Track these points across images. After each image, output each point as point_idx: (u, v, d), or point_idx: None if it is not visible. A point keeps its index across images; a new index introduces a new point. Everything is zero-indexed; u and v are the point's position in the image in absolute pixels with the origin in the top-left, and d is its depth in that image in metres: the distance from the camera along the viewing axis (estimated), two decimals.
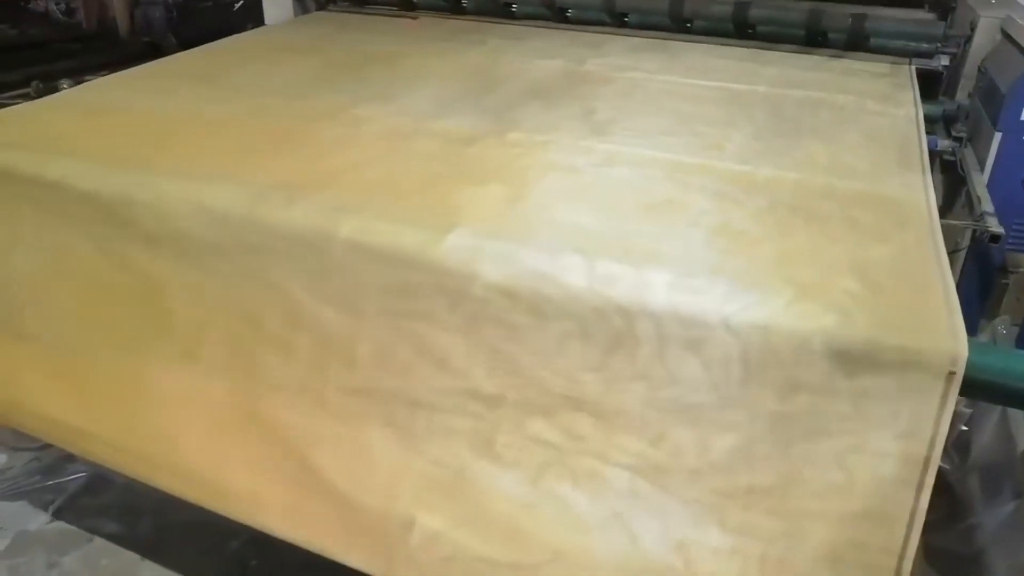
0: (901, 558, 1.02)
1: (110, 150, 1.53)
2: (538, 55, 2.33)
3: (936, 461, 1.02)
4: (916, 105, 1.95)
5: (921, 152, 1.62)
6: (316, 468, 1.28)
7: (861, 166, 1.55)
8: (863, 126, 1.77)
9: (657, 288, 1.09)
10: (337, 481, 1.26)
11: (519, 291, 1.13)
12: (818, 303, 1.06)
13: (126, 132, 1.63)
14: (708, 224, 1.28)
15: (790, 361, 1.03)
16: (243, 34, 2.78)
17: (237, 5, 5.52)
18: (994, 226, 1.61)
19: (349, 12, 3.00)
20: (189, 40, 3.01)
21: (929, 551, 1.41)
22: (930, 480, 1.02)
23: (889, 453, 1.02)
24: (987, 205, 1.71)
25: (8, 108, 1.78)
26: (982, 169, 1.97)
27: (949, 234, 1.32)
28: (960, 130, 2.10)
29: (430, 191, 1.38)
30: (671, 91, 2.02)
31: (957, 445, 1.61)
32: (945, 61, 2.40)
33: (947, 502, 1.58)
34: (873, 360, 1.01)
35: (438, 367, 1.19)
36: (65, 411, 1.46)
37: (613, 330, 1.10)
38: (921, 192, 1.42)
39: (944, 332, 1.02)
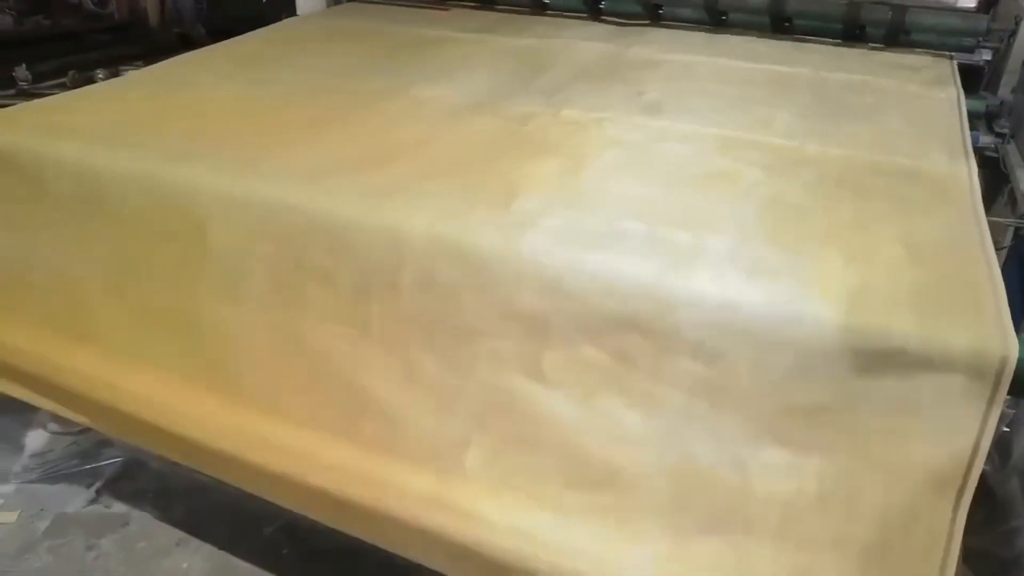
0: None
1: (192, 128, 1.59)
2: (582, 41, 2.37)
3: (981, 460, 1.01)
4: (961, 115, 1.90)
5: (963, 135, 1.64)
6: (367, 394, 1.26)
7: (904, 145, 1.58)
8: (906, 109, 1.81)
9: (714, 249, 1.15)
10: (389, 405, 1.25)
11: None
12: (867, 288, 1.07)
13: (199, 113, 1.68)
14: (760, 195, 1.34)
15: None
16: (282, 23, 2.80)
17: None
18: None
19: (380, 3, 3.01)
20: (218, 30, 3.03)
21: (968, 553, 1.38)
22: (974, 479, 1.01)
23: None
24: None
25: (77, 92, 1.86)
26: None
27: (991, 232, 1.29)
28: (1003, 126, 2.06)
29: (492, 164, 1.43)
30: (716, 74, 2.07)
31: (998, 446, 1.59)
32: (988, 56, 2.35)
33: (987, 504, 1.56)
34: (921, 358, 1.00)
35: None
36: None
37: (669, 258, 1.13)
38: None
39: (994, 330, 1.00)
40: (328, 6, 3.02)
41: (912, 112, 1.79)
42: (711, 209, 1.29)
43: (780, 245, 1.17)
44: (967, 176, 1.44)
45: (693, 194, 1.35)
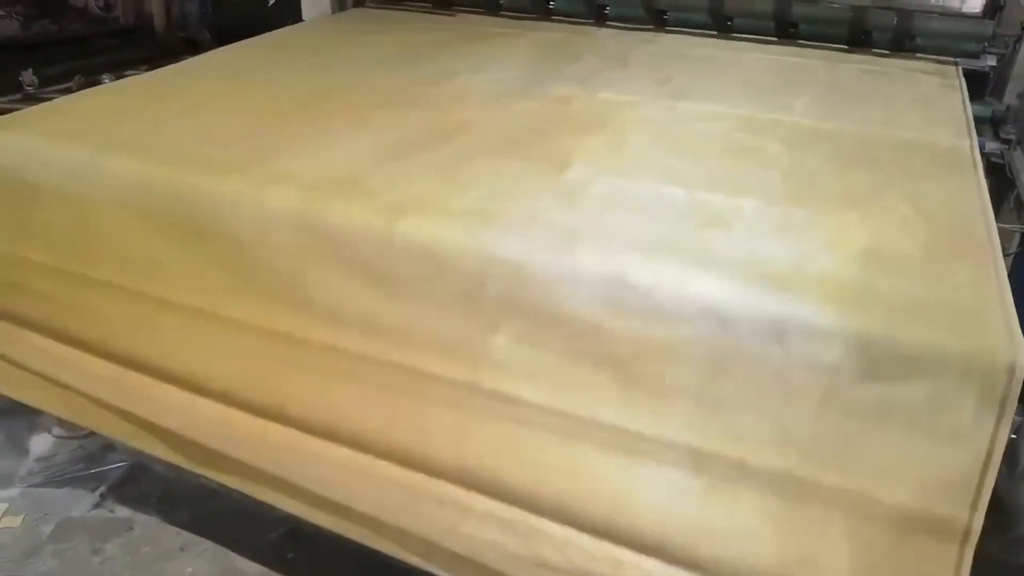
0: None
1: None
2: (605, 37, 2.54)
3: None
4: (964, 103, 1.92)
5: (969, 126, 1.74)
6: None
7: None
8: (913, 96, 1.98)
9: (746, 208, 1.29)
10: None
11: None
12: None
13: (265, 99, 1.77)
14: (783, 165, 1.49)
15: None
16: (298, 25, 2.84)
17: (272, 1, 5.58)
18: None
19: (387, 8, 3.01)
20: (224, 35, 3.03)
21: (978, 560, 1.37)
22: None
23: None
24: None
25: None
26: None
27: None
28: (1009, 132, 2.05)
29: (542, 139, 1.57)
30: (736, 64, 2.25)
31: (1007, 453, 1.58)
32: (992, 61, 2.35)
33: (996, 511, 1.55)
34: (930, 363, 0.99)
35: None
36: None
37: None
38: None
39: (1003, 336, 1.00)
40: (333, 11, 3.03)
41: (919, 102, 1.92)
42: (740, 176, 1.43)
43: (802, 205, 1.30)
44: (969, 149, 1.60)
45: (724, 165, 1.49)
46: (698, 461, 1.07)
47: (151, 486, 1.81)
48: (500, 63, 2.16)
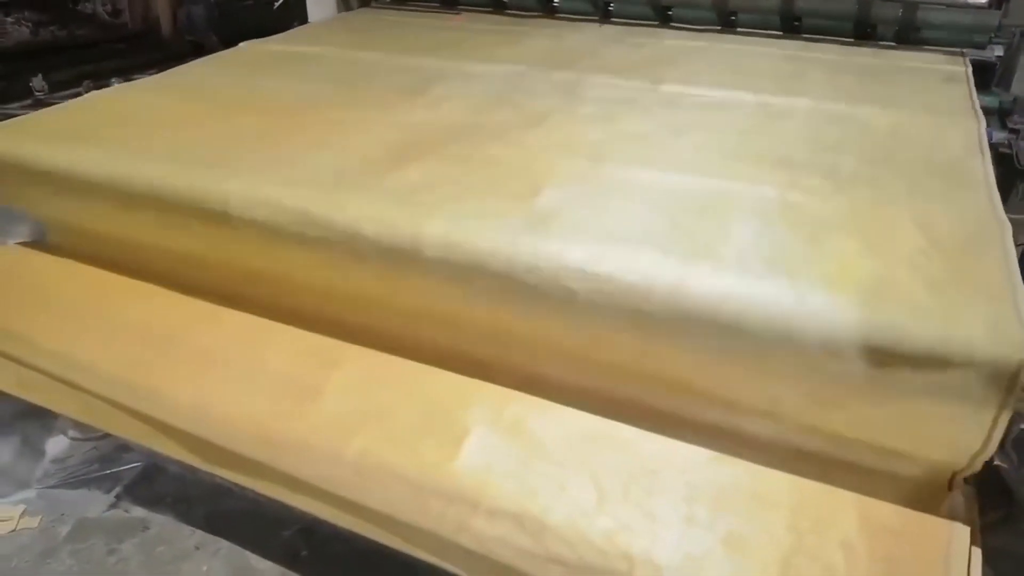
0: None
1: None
2: (607, 34, 2.61)
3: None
4: (972, 94, 1.92)
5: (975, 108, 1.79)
6: None
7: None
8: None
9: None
10: None
11: None
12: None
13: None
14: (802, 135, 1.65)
15: None
16: (307, 25, 2.93)
17: (277, 4, 5.60)
18: None
19: (392, 8, 3.03)
20: (231, 38, 3.06)
21: (988, 552, 1.38)
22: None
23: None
24: None
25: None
26: None
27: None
28: (1017, 122, 2.05)
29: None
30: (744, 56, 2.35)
31: (1016, 445, 1.58)
32: (1000, 52, 2.35)
33: (1006, 504, 1.55)
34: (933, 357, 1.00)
35: None
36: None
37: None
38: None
39: (1011, 330, 1.00)
40: (339, 11, 3.05)
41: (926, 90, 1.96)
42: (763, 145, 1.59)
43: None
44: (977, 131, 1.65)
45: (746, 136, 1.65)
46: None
47: (166, 486, 1.82)
48: (530, 41, 2.41)
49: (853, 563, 1.02)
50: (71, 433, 1.83)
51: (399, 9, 3.01)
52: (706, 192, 1.38)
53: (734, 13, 2.59)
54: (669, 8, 2.67)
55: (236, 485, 1.60)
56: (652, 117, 1.77)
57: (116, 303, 1.60)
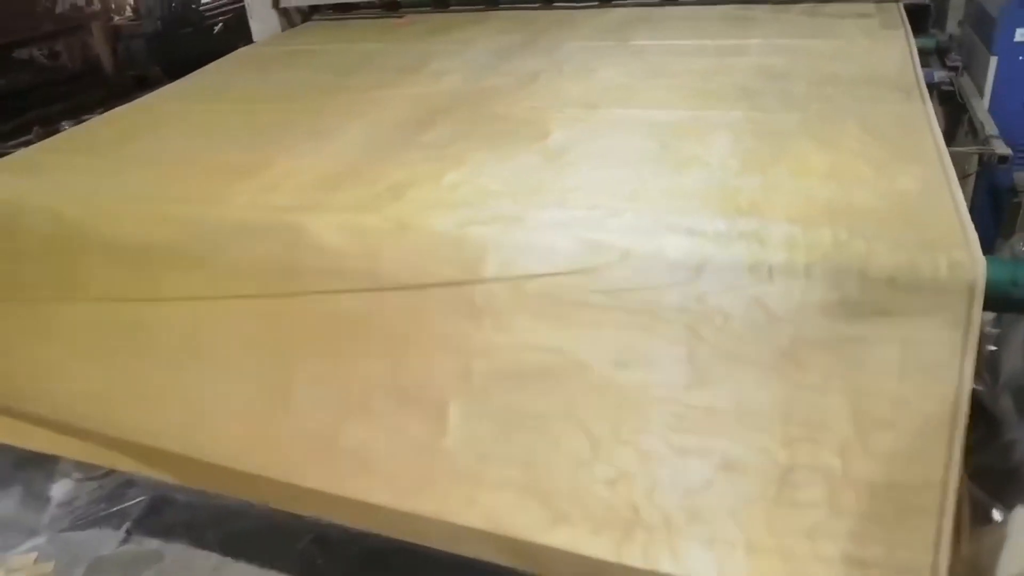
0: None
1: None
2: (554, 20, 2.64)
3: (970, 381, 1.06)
4: (908, 39, 1.99)
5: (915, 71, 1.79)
6: None
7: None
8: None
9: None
10: None
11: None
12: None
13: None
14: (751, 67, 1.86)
15: None
16: (259, 43, 2.93)
17: (216, 29, 5.55)
18: (1000, 148, 1.64)
19: (337, 19, 3.04)
20: (175, 68, 3.04)
21: (973, 471, 1.45)
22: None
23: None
24: (991, 128, 1.74)
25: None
26: (981, 96, 2.00)
27: (956, 162, 1.35)
28: (955, 60, 2.12)
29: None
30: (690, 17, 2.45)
31: (988, 365, 1.65)
32: None
33: (983, 423, 1.62)
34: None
35: None
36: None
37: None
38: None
39: (960, 248, 1.05)
40: (283, 30, 3.05)
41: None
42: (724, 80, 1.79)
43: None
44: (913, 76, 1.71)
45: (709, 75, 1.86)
46: None
47: (176, 515, 1.84)
48: (488, 36, 2.44)
49: (852, 465, 1.06)
50: (75, 475, 1.84)
51: (345, 18, 3.01)
52: (684, 120, 1.61)
53: None
54: None
55: (246, 504, 1.63)
56: (628, 68, 2.00)
57: None
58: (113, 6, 5.41)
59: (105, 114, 2.16)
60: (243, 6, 3.49)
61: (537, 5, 2.80)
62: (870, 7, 2.34)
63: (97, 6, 5.20)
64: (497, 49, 2.29)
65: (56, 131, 2.59)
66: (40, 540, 1.81)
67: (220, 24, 5.51)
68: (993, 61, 1.94)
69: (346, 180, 1.47)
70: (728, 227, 1.16)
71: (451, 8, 2.92)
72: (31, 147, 1.93)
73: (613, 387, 1.17)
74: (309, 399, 1.36)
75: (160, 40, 5.31)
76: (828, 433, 1.08)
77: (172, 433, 1.47)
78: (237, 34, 3.45)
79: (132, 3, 5.53)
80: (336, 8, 3.08)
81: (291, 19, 3.07)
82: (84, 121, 2.33)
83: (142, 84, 4.47)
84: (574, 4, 2.76)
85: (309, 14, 3.11)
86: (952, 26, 2.35)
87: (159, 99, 2.25)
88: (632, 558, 1.13)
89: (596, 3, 2.74)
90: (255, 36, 3.03)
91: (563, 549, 1.16)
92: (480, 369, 1.23)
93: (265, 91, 2.17)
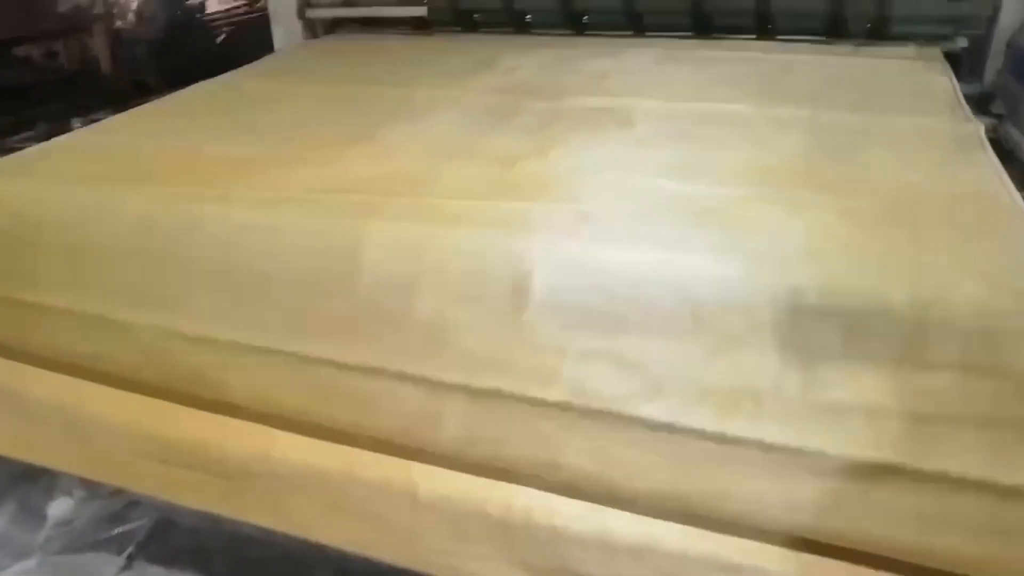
0: None
1: None
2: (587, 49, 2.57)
3: None
4: (954, 84, 1.97)
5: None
6: None
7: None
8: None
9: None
10: None
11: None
12: None
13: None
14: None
15: None
16: (290, 48, 2.89)
17: (220, 39, 5.49)
18: None
19: (363, 34, 2.98)
20: (176, 75, 2.98)
21: None
22: None
23: None
24: None
25: None
26: None
27: None
28: (999, 107, 2.11)
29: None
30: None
31: None
32: (964, 43, 2.41)
33: None
34: None
35: None
36: None
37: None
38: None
39: None
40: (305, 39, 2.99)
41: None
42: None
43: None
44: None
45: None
46: None
47: (182, 540, 1.71)
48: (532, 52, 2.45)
49: None
50: (77, 493, 1.70)
51: (371, 33, 2.96)
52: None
53: (709, 16, 2.61)
54: (642, 16, 2.69)
55: (260, 531, 1.52)
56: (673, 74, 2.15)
57: None
58: (116, 10, 5.33)
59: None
60: (247, 18, 3.44)
61: (569, 33, 2.78)
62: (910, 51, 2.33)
63: (100, 8, 5.12)
64: (558, 58, 2.37)
65: (65, 128, 2.49)
66: (31, 563, 1.67)
67: (224, 35, 5.46)
68: None
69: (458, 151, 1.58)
70: None
71: (480, 30, 2.88)
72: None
73: None
74: None
75: (163, 47, 5.25)
76: None
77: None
78: (241, 45, 3.40)
79: (135, 8, 5.45)
80: (362, 23, 3.03)
81: (314, 30, 3.01)
82: (96, 120, 2.23)
83: (143, 90, 4.39)
84: (605, 33, 2.73)
85: (332, 27, 3.05)
86: (989, 76, 2.34)
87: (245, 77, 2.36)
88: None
89: (630, 33, 2.71)
90: (277, 44, 2.97)
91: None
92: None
93: (348, 74, 2.35)
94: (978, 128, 1.63)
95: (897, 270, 1.06)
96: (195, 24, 5.62)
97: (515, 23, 2.82)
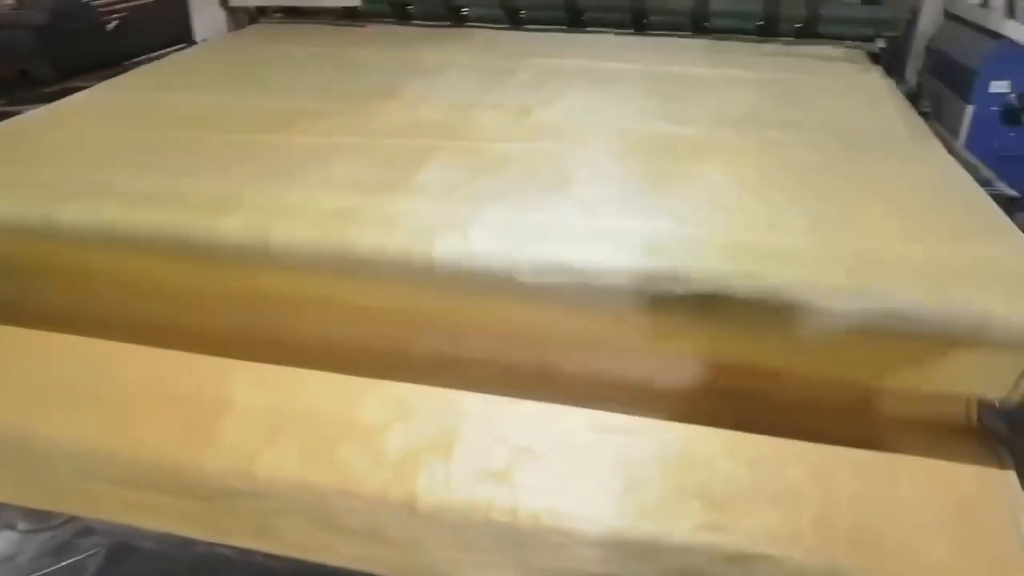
0: None
1: None
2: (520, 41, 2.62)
3: None
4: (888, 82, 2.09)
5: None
6: None
7: None
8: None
9: None
10: None
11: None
12: None
13: None
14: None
15: None
16: (230, 36, 2.76)
17: (110, 26, 5.13)
18: (1007, 191, 1.70)
19: (290, 23, 2.85)
20: (69, 65, 2.79)
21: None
22: None
23: None
24: (987, 172, 1.81)
25: None
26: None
27: None
28: (926, 105, 2.23)
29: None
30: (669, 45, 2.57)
31: None
32: (883, 44, 2.55)
33: None
34: None
35: None
36: None
37: None
38: None
39: None
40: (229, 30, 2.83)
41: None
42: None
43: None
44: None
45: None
46: None
47: (140, 565, 1.59)
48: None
49: None
50: (21, 526, 1.55)
51: (300, 22, 2.84)
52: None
53: (647, 15, 2.65)
54: (582, 13, 2.70)
55: (232, 549, 1.44)
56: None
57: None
58: None
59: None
60: (139, 5, 3.21)
61: (504, 26, 2.75)
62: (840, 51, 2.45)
63: None
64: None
65: None
66: None
67: (116, 22, 5.12)
68: (969, 110, 2.06)
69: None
70: None
71: (413, 22, 2.82)
72: None
73: None
74: None
75: (49, 34, 4.86)
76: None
77: None
78: (134, 35, 3.19)
79: None
80: (287, 12, 2.90)
81: (238, 20, 2.85)
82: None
83: (28, 81, 4.06)
84: (542, 27, 2.73)
85: (256, 16, 2.91)
86: (911, 75, 2.49)
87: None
88: None
89: (564, 27, 2.72)
90: (198, 35, 2.80)
91: None
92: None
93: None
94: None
95: None
96: (84, 12, 5.24)
97: (452, 16, 2.78)
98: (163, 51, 2.68)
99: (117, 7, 5.47)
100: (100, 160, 1.50)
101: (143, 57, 2.72)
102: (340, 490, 1.27)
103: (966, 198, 1.39)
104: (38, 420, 1.35)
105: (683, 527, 1.13)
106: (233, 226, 1.26)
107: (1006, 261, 1.16)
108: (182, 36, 2.90)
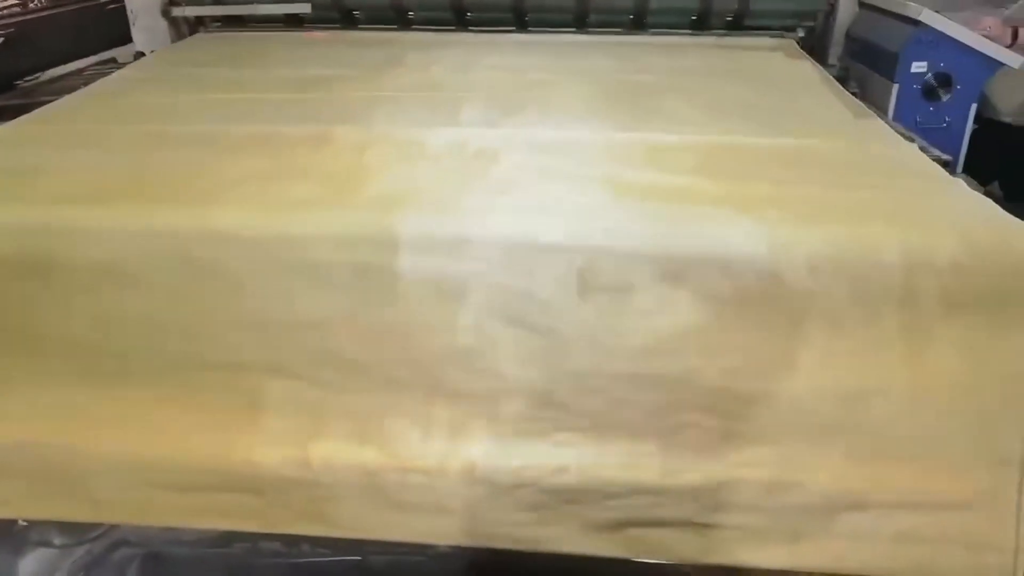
0: None
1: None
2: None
3: None
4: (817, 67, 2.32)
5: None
6: None
7: None
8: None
9: None
10: None
11: None
12: None
13: None
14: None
15: None
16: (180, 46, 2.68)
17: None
18: (941, 154, 1.91)
19: (235, 31, 2.83)
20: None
21: None
22: None
23: None
24: (920, 140, 2.03)
25: None
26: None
27: None
28: (854, 87, 2.45)
29: None
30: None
31: None
32: (803, 33, 2.78)
33: None
34: None
35: None
36: None
37: None
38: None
39: None
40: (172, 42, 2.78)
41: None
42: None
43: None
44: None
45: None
46: None
47: (171, 573, 1.58)
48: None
49: None
50: (57, 541, 1.51)
51: (238, 32, 2.82)
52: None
53: (588, 14, 2.79)
54: (526, 15, 2.80)
55: (273, 552, 1.47)
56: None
57: None
58: None
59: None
60: (29, 19, 3.05)
61: (451, 28, 2.83)
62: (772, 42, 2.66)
63: None
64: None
65: None
66: None
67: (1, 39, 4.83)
68: (895, 88, 2.29)
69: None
70: None
71: (359, 26, 2.86)
72: None
73: None
74: None
75: None
76: None
77: None
78: (24, 49, 2.95)
79: None
80: (227, 21, 2.88)
81: (180, 30, 2.81)
82: None
83: None
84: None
85: (195, 26, 2.87)
86: (832, 60, 2.73)
87: None
88: None
89: (453, 28, 2.82)
90: (139, 46, 2.73)
91: None
92: None
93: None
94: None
95: None
96: None
97: (400, 20, 2.83)
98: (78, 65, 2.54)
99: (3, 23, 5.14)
100: None
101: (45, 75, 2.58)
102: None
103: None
104: (78, 436, 1.34)
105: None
106: None
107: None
108: (99, 47, 2.65)
